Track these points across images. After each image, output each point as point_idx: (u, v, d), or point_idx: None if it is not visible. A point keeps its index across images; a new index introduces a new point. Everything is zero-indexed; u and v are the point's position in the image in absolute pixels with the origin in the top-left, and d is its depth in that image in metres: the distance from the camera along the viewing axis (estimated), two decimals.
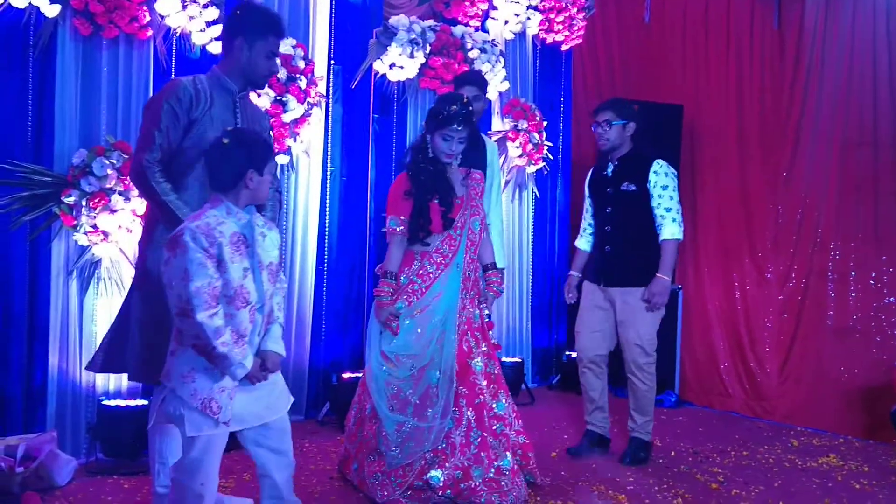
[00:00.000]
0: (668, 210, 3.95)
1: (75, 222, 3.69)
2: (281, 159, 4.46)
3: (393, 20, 4.91)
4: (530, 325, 5.94)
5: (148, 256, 2.89)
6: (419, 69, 5.02)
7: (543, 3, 5.70)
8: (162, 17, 3.94)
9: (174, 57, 4.09)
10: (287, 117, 4.37)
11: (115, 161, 3.72)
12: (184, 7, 3.93)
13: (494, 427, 3.44)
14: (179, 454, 2.98)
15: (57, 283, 3.76)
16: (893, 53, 4.76)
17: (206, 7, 4.00)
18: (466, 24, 5.34)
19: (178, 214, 2.76)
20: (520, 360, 5.54)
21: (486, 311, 3.68)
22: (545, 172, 5.93)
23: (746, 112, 5.49)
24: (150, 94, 3.97)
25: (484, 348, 3.56)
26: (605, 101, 4.28)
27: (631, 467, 3.96)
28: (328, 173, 4.83)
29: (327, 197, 4.84)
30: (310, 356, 4.74)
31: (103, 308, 3.81)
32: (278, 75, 4.26)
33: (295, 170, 4.61)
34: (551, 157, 5.88)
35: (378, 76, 4.98)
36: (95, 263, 3.79)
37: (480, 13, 5.45)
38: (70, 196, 3.66)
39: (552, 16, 5.76)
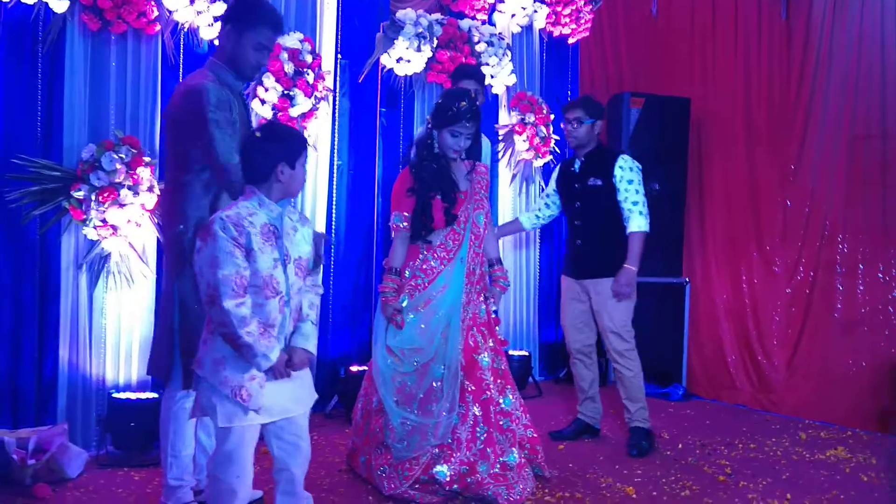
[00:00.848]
0: (635, 203, 4.09)
1: (85, 216, 3.70)
2: None
3: (400, 14, 4.91)
4: (537, 319, 5.95)
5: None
6: (426, 63, 5.02)
7: None
8: (170, 12, 3.95)
9: (182, 52, 4.11)
10: (294, 111, 4.38)
11: (123, 155, 3.74)
12: (191, 2, 3.94)
13: (501, 423, 3.45)
14: (192, 447, 3.02)
15: (67, 276, 3.78)
16: None
17: (214, 2, 4.01)
18: (473, 18, 5.34)
19: None
20: (527, 354, 5.56)
21: (494, 308, 3.69)
22: (552, 166, 5.92)
23: (754, 105, 5.48)
24: (159, 89, 4.00)
25: (491, 344, 3.56)
26: (576, 99, 4.47)
27: (639, 459, 3.98)
28: (335, 167, 4.84)
29: (334, 191, 4.85)
30: (318, 349, 4.73)
31: (112, 301, 3.84)
32: (286, 69, 4.27)
33: None
34: (558, 151, 5.88)
35: (385, 70, 4.99)
36: (105, 257, 3.81)
37: (487, 6, 5.45)
38: (79, 190, 3.67)
39: (559, 9, 5.75)
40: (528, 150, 5.63)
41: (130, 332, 3.88)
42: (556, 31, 5.87)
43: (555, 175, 4.51)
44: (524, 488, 3.35)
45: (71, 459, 3.46)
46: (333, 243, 4.86)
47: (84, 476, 3.50)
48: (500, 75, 5.35)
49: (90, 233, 3.74)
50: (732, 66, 5.61)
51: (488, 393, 3.43)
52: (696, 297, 5.66)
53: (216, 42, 4.04)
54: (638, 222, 4.08)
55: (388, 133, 5.15)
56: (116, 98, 3.90)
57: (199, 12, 3.99)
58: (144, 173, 3.78)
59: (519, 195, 5.74)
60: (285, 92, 4.35)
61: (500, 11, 5.57)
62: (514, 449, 3.42)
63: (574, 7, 5.80)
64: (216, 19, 4.02)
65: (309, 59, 4.44)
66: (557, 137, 5.82)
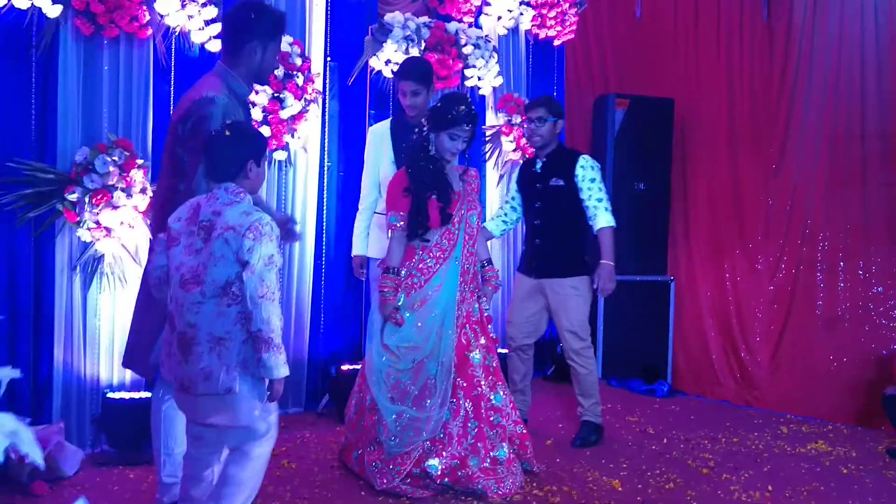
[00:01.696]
0: (600, 201, 4.16)
1: (78, 219, 3.75)
2: (279, 155, 4.53)
3: (388, 17, 4.97)
4: None
5: None
6: None
7: None
8: (161, 17, 4.00)
9: (174, 55, 4.16)
10: (284, 114, 4.44)
11: (116, 158, 3.78)
12: (183, 6, 3.99)
13: (491, 418, 3.52)
14: (184, 444, 3.06)
15: (61, 278, 3.83)
16: (881, 45, 4.84)
17: (205, 6, 4.06)
18: (460, 21, 5.40)
19: None
20: None
21: (486, 306, 3.77)
22: None
23: (737, 105, 5.56)
24: (151, 92, 4.05)
25: (483, 341, 3.64)
26: (538, 98, 4.50)
27: (623, 453, 4.05)
28: (325, 169, 4.89)
29: (325, 192, 4.91)
30: (309, 349, 4.81)
31: (106, 303, 3.89)
32: (276, 72, 4.33)
33: (293, 166, 4.67)
34: None
35: (374, 73, 5.04)
36: (98, 259, 3.85)
37: (474, 9, 5.50)
38: (73, 193, 3.72)
39: (544, 11, 5.81)
40: (514, 150, 5.69)
41: (124, 333, 3.91)
42: (542, 34, 5.94)
43: (515, 176, 4.57)
44: (513, 482, 3.44)
45: (67, 458, 3.51)
46: (324, 244, 4.92)
47: (80, 474, 3.55)
48: (487, 77, 5.41)
49: (84, 234, 3.78)
50: (715, 67, 5.69)
51: (479, 389, 3.51)
52: (680, 294, 5.74)
53: (207, 46, 4.12)
54: (605, 218, 4.14)
55: None
56: (109, 101, 3.94)
57: (190, 16, 4.03)
58: (137, 175, 3.83)
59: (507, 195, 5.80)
60: (275, 95, 4.41)
61: (487, 14, 5.63)
62: (504, 444, 3.50)
63: (559, 10, 5.86)
64: (207, 23, 4.07)
65: (298, 62, 4.49)
66: None
